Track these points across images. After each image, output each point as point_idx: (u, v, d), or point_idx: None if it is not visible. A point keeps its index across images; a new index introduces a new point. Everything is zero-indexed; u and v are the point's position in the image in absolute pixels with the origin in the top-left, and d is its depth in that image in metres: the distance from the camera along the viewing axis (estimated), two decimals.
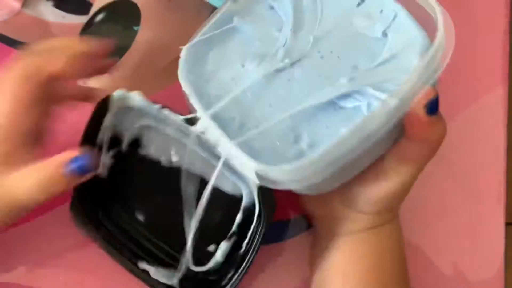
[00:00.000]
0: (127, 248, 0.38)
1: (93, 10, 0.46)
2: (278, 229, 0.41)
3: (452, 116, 0.42)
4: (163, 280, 0.37)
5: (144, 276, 0.37)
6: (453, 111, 0.42)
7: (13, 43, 0.45)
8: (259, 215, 0.34)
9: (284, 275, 0.40)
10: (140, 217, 0.40)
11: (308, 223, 0.41)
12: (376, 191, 0.33)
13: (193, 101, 0.32)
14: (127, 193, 0.40)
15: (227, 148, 0.31)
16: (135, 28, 0.45)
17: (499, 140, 0.42)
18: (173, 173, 0.38)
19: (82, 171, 0.31)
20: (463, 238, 0.40)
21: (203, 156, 0.36)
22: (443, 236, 0.40)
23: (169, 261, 0.38)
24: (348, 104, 0.31)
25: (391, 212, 0.35)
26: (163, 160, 0.39)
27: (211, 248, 0.38)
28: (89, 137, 0.36)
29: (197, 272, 0.37)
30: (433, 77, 0.29)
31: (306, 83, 0.33)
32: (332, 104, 0.32)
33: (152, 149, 0.39)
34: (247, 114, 0.33)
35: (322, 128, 0.32)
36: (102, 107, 0.35)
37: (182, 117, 0.33)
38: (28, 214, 0.41)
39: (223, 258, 0.36)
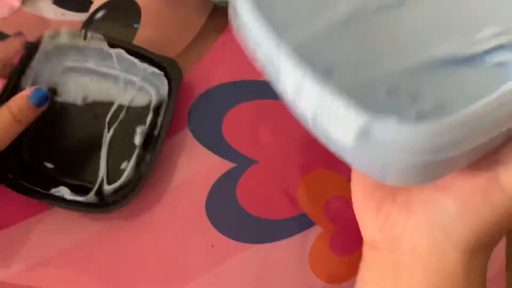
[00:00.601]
0: (39, 182, 0.40)
1: (93, 7, 0.46)
2: (275, 228, 0.41)
3: None
4: (79, 199, 0.39)
5: (60, 201, 0.39)
6: None
7: None
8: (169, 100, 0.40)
9: (281, 273, 0.40)
10: (49, 164, 0.41)
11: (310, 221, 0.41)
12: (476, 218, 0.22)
13: (260, 28, 0.21)
14: (36, 141, 0.42)
15: (314, 94, 0.19)
16: (135, 25, 0.45)
17: None
18: (87, 110, 0.42)
19: (43, 99, 0.38)
20: None
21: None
22: None
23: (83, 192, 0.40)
24: (489, 60, 0.24)
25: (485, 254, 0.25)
26: (79, 100, 0.42)
27: (123, 166, 0.41)
28: (14, 80, 0.40)
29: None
30: None
31: (424, 27, 0.25)
32: (467, 59, 0.24)
33: (68, 93, 0.43)
34: (337, 54, 0.24)
35: (453, 87, 0.24)
36: (31, 49, 0.40)
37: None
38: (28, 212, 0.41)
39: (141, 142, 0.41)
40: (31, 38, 0.45)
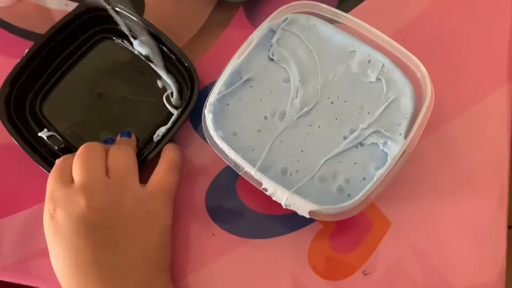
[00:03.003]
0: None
1: None
2: (274, 224, 0.41)
3: (456, 114, 0.42)
4: None
5: None
6: (458, 109, 0.42)
7: (15, 30, 0.45)
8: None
9: (279, 269, 0.40)
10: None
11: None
12: None
13: (236, 158, 0.37)
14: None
15: (285, 195, 0.36)
16: None
17: (503, 141, 0.42)
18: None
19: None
20: (465, 241, 0.40)
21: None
22: (444, 234, 0.40)
23: None
24: (367, 142, 0.38)
25: None
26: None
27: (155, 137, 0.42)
28: None
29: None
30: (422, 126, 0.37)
31: (326, 127, 0.39)
32: (355, 145, 0.38)
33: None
34: (284, 160, 0.38)
35: (352, 164, 0.38)
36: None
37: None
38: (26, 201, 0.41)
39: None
40: (34, 27, 0.45)
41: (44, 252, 0.40)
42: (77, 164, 0.36)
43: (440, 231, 0.40)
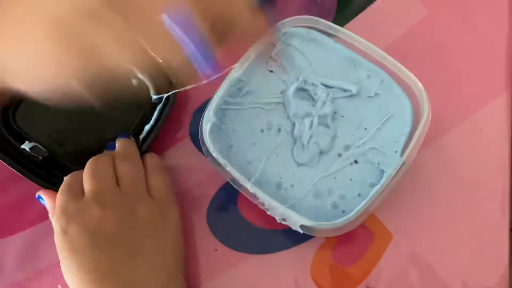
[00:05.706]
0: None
1: None
2: (276, 238, 0.41)
3: (456, 123, 0.42)
4: None
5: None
6: (457, 118, 0.42)
7: None
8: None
9: (282, 284, 0.40)
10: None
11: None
12: None
13: (232, 171, 0.37)
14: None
15: (279, 210, 0.36)
16: None
17: (503, 150, 0.42)
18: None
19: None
20: (467, 245, 0.40)
21: None
22: (447, 244, 0.40)
23: None
24: (362, 160, 0.38)
25: None
26: None
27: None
28: None
29: None
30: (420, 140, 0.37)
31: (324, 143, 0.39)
32: (350, 163, 0.39)
33: None
34: (280, 175, 0.38)
35: (347, 181, 0.38)
36: None
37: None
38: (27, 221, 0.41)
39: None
40: None
41: (45, 272, 0.40)
42: (87, 176, 0.36)
43: (442, 242, 0.40)
